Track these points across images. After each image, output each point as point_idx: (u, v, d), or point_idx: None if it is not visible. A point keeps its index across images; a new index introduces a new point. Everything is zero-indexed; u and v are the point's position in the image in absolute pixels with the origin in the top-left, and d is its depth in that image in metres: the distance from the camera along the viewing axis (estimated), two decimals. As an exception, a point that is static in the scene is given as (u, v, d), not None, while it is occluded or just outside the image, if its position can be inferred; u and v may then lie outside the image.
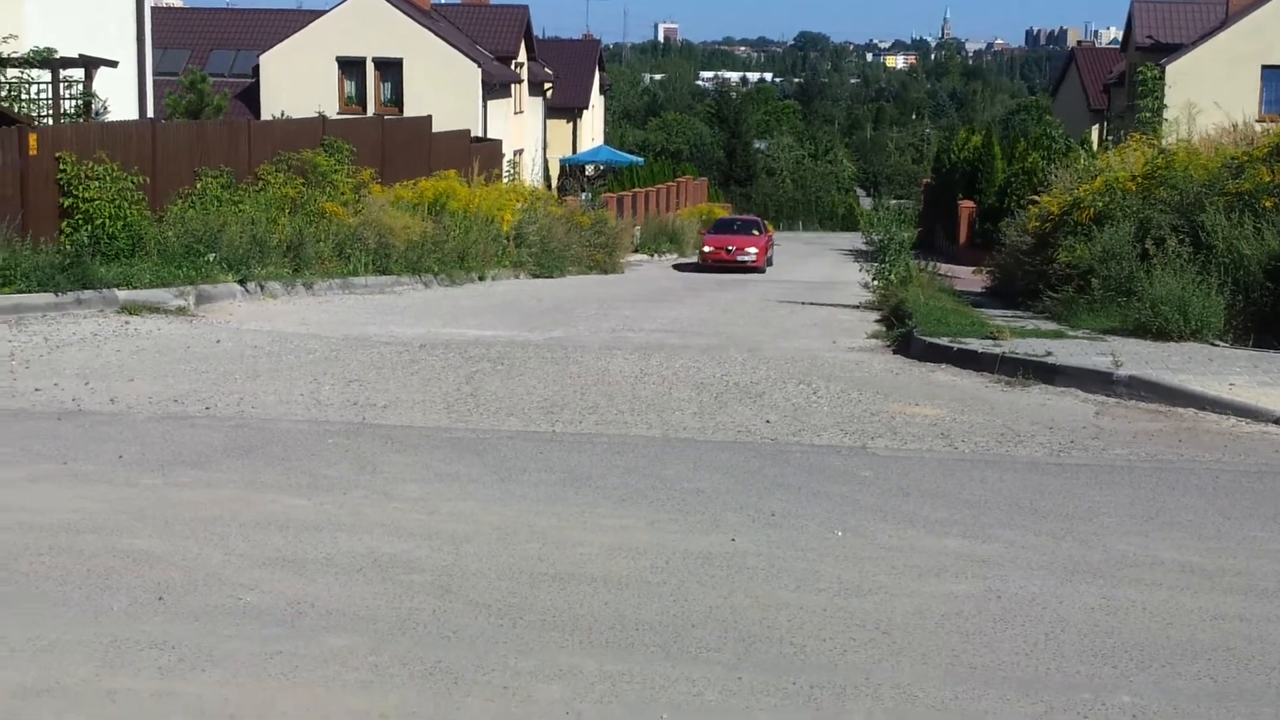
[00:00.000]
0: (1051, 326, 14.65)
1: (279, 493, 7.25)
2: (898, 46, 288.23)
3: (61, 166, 17.45)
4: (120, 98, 24.88)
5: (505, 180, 32.61)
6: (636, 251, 40.32)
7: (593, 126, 68.82)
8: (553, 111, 62.43)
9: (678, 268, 38.72)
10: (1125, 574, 6.30)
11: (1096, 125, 55.54)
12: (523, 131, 55.37)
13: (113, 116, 22.97)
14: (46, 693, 4.54)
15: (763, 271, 37.41)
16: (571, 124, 64.81)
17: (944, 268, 26.38)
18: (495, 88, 50.20)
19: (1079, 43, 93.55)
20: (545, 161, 56.57)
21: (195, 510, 6.83)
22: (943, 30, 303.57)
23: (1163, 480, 8.28)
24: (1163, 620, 5.67)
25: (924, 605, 5.75)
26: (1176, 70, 43.68)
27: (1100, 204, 17.66)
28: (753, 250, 38.36)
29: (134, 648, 4.96)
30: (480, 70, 48.58)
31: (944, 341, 12.98)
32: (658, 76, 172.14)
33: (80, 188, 17.41)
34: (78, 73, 22.68)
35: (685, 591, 5.84)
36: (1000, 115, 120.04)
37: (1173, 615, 5.74)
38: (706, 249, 38.26)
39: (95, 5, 25.61)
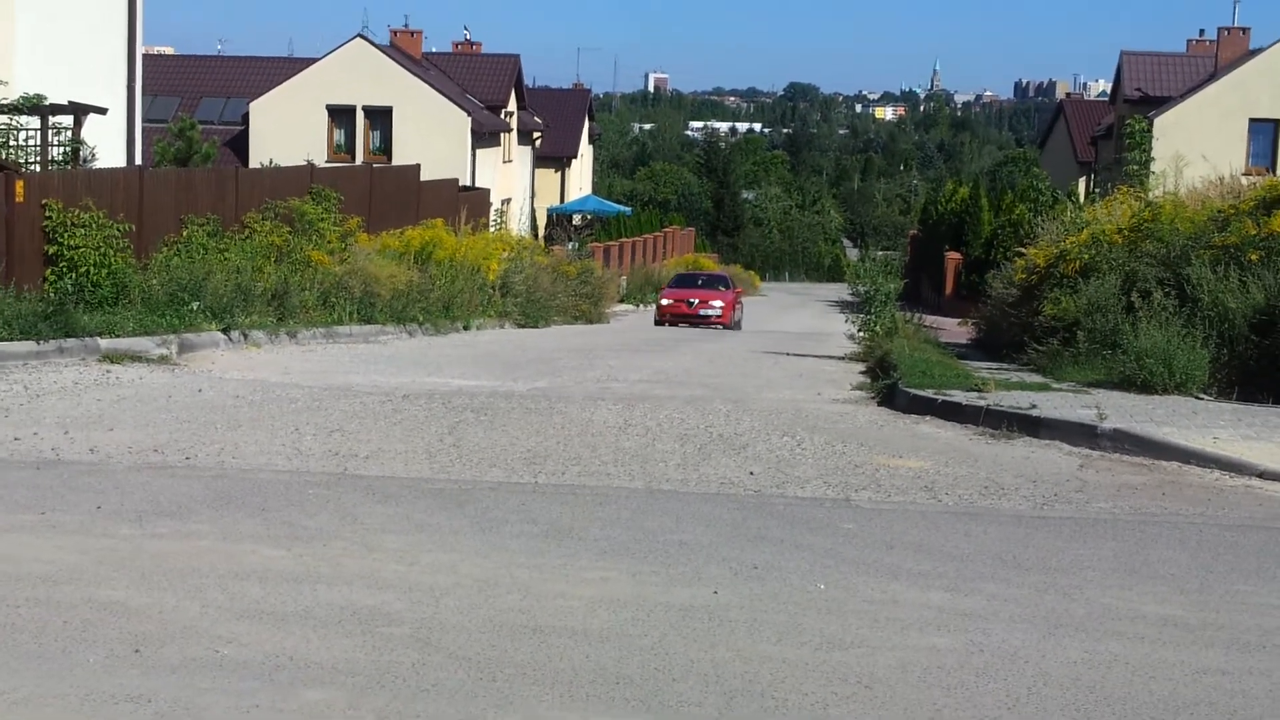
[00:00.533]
0: (1036, 379, 14.67)
1: (258, 544, 7.21)
2: (887, 98, 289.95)
3: (47, 214, 17.45)
4: (109, 145, 24.91)
5: (492, 229, 32.68)
6: (623, 301, 40.33)
7: (581, 176, 69.10)
8: (541, 160, 62.69)
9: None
10: (1108, 628, 6.28)
11: (1084, 177, 55.89)
12: (511, 180, 55.56)
13: (101, 163, 22.99)
14: (18, 747, 4.48)
15: (729, 330, 34.01)
16: (560, 173, 65.08)
17: (930, 319, 26.45)
18: (484, 136, 50.41)
19: (1067, 95, 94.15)
20: (533, 210, 56.77)
21: (173, 561, 6.78)
22: (932, 82, 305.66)
23: (1146, 534, 8.27)
24: (1145, 674, 5.64)
25: (907, 659, 5.72)
26: (1164, 123, 44.02)
27: (1086, 257, 17.72)
28: (717, 304, 36.29)
29: (110, 701, 4.91)
30: (470, 119, 48.81)
31: (929, 393, 12.99)
32: (647, 126, 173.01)
33: (66, 235, 17.40)
34: (67, 119, 22.71)
35: (667, 644, 5.80)
36: (988, 167, 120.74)
37: (1155, 669, 5.71)
38: (664, 302, 36.54)
39: (85, 52, 25.68)
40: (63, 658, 5.35)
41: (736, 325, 35.10)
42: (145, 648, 5.49)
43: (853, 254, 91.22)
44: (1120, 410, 11.95)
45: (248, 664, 5.35)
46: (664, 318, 35.35)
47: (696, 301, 36.11)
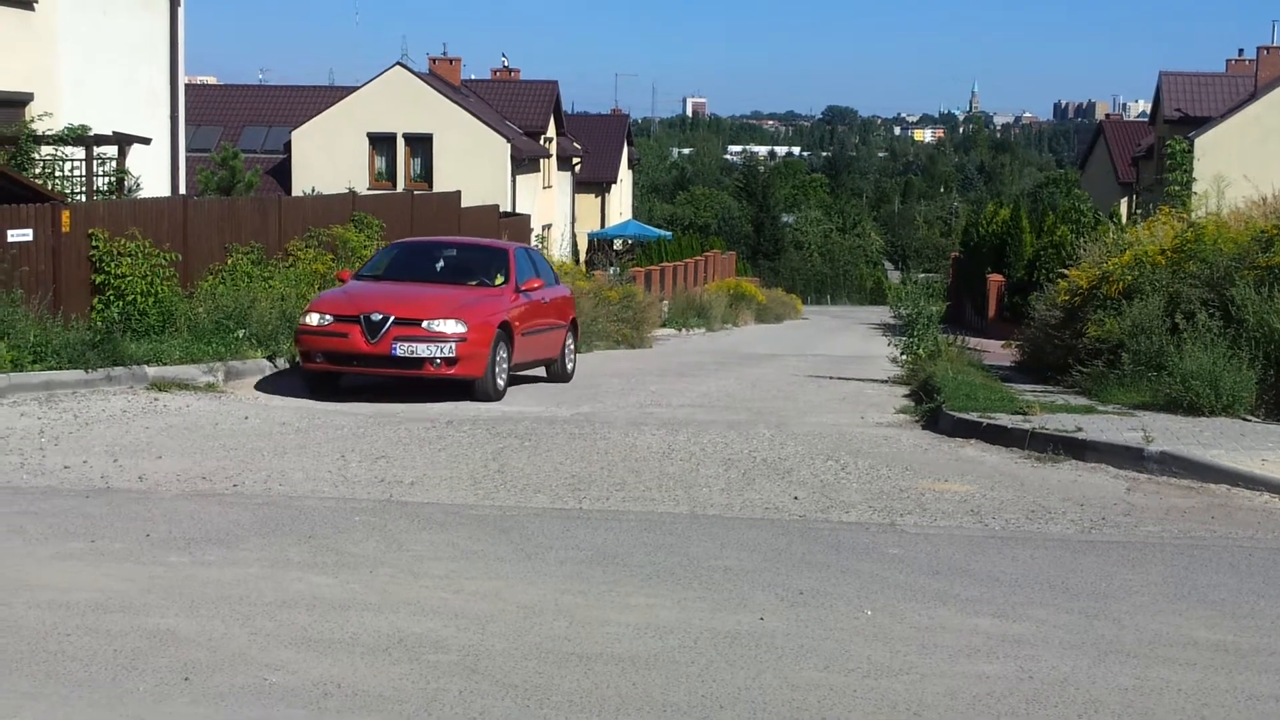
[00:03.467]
0: (1081, 401, 14.57)
1: (305, 571, 7.24)
2: (926, 120, 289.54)
3: (94, 243, 17.60)
4: (153, 174, 25.15)
5: (534, 255, 32.69)
6: (664, 326, 39.75)
7: (621, 201, 69.25)
8: (581, 186, 62.86)
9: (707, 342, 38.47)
10: (1159, 654, 6.22)
11: (1125, 198, 55.60)
12: (551, 206, 55.75)
13: (146, 193, 23.21)
14: (70, 775, 4.51)
15: (488, 393, 15.15)
16: (600, 198, 65.24)
17: (973, 342, 26.33)
18: (524, 162, 50.60)
19: (1107, 116, 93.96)
20: (573, 236, 56.89)
21: (222, 589, 6.81)
22: (970, 104, 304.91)
23: (1195, 558, 8.19)
24: (1197, 701, 5.59)
25: (955, 686, 5.68)
26: (1205, 143, 43.74)
27: (1129, 278, 17.60)
28: (450, 327, 14.98)
29: (159, 729, 4.93)
30: (509, 145, 49.01)
31: (973, 417, 12.93)
32: (686, 151, 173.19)
33: (112, 264, 17.55)
34: (111, 150, 22.94)
35: (713, 671, 5.78)
36: (1028, 188, 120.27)
37: (1207, 696, 5.65)
38: (311, 319, 15.23)
39: (129, 83, 25.94)
40: (112, 686, 5.38)
41: (562, 372, 17.99)
42: (194, 676, 5.52)
43: (894, 276, 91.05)
44: (1167, 432, 11.86)
45: (296, 692, 5.37)
46: (311, 354, 15.16)
47: (388, 326, 14.85)
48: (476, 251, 17.87)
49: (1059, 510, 9.44)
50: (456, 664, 5.77)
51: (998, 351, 26.47)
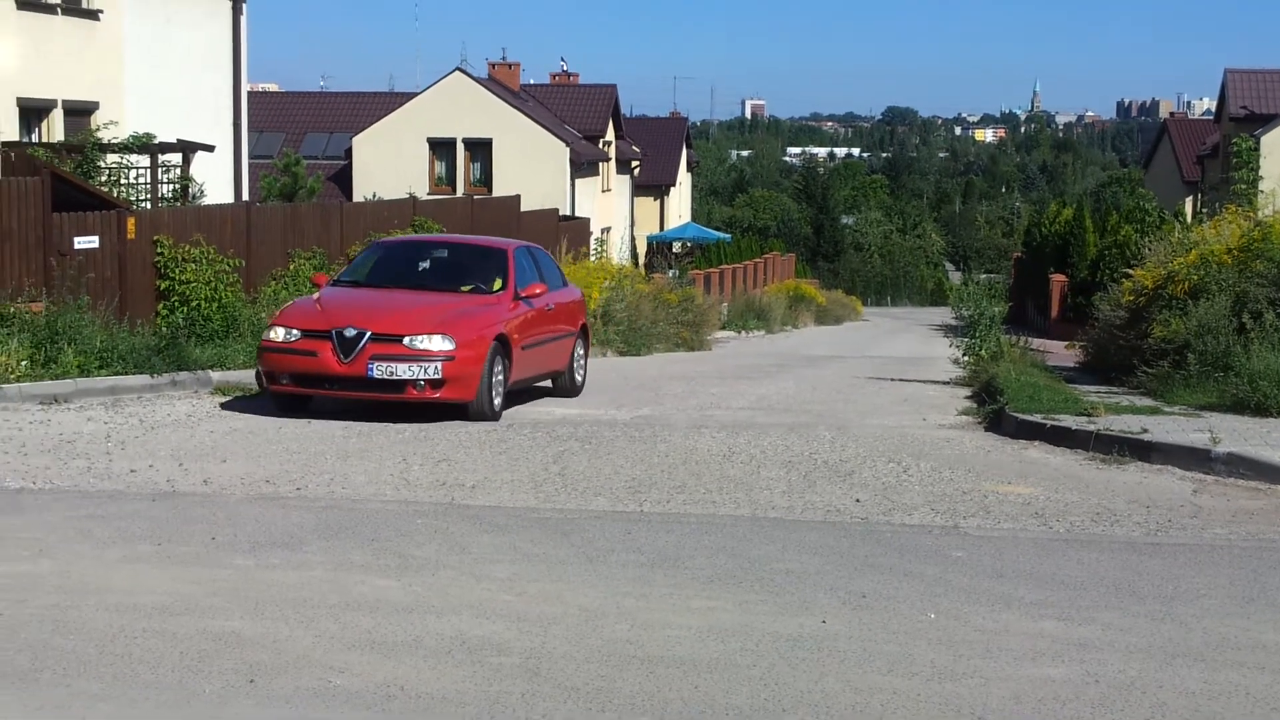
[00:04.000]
0: (1147, 403, 14.43)
1: (368, 574, 7.28)
2: (987, 120, 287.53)
3: (159, 250, 17.81)
4: (217, 181, 25.41)
5: (593, 258, 32.80)
6: (724, 328, 39.67)
7: (680, 203, 69.24)
8: (640, 189, 62.91)
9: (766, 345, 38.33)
10: (1227, 657, 6.14)
11: (1190, 197, 55.00)
12: (610, 209, 55.82)
13: (209, 200, 23.45)
14: (138, 776, 4.55)
15: (483, 415, 13.39)
16: (659, 201, 65.26)
17: (1035, 342, 26.05)
18: (583, 166, 50.71)
19: (1171, 114, 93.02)
20: (633, 239, 56.97)
21: (286, 592, 6.86)
22: (1032, 103, 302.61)
23: (1264, 560, 8.09)
24: (1266, 705, 5.51)
25: (1020, 690, 5.63)
26: (1272, 141, 43.19)
27: (1195, 277, 17.41)
28: (436, 345, 13.19)
29: (225, 731, 4.97)
30: (568, 149, 49.13)
31: (1037, 418, 12.82)
32: (745, 153, 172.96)
33: (177, 270, 17.75)
34: (175, 157, 23.20)
35: (775, 675, 5.77)
36: (1091, 188, 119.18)
37: (1276, 700, 5.58)
38: (276, 335, 13.48)
39: (193, 91, 26.23)
40: (179, 688, 5.43)
41: (570, 385, 16.01)
42: (260, 678, 5.56)
43: (955, 277, 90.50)
44: (1234, 434, 11.72)
45: (360, 694, 5.40)
46: (275, 375, 13.42)
47: (363, 343, 13.10)
48: (471, 252, 15.89)
49: (1125, 513, 9.35)
50: (519, 666, 5.78)
51: (1061, 352, 26.24)
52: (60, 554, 7.53)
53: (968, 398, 16.50)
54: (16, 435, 11.43)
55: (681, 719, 5.22)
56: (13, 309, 14.98)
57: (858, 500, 9.58)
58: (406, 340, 13.11)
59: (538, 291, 14.91)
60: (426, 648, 6.01)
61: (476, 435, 12.21)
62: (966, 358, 20.03)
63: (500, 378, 13.71)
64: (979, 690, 5.62)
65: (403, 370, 12.99)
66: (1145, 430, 11.86)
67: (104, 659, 5.76)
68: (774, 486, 10.05)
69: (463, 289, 14.65)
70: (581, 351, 16.33)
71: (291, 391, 13.37)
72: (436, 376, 13.01)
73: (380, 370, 12.99)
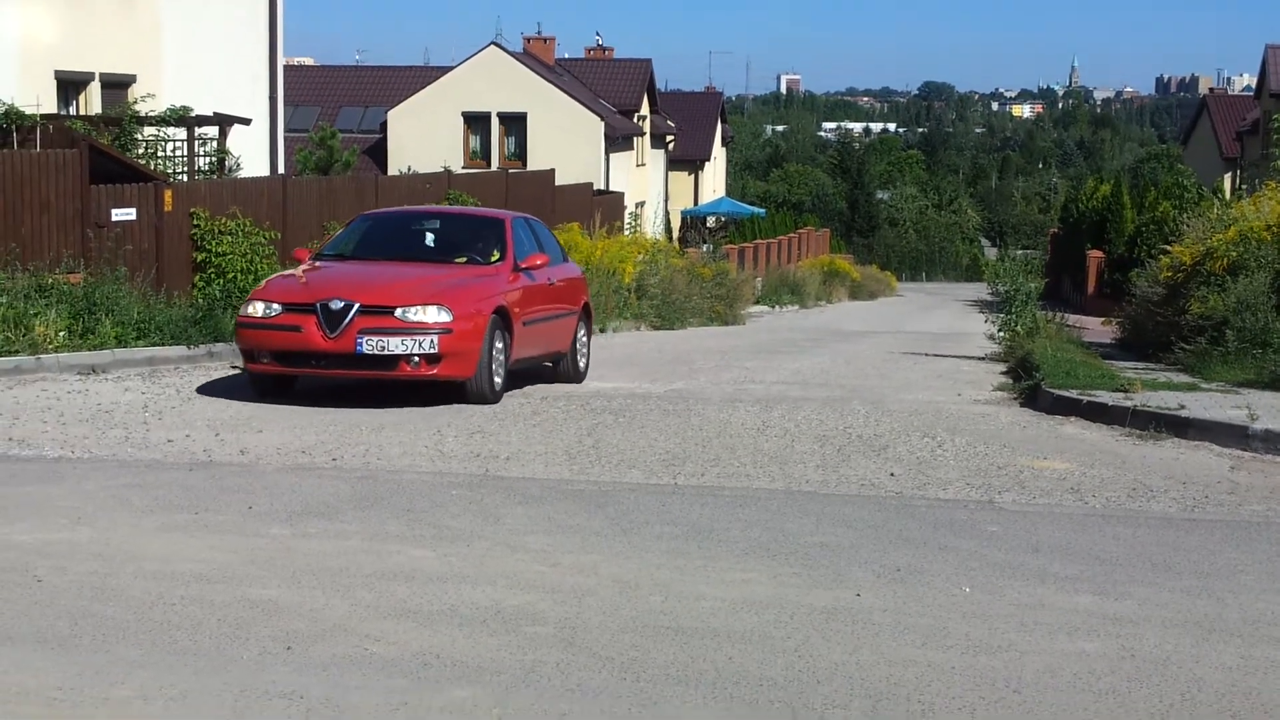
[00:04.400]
0: (1184, 379, 14.35)
1: (404, 544, 7.31)
2: (1024, 95, 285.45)
3: (195, 222, 17.88)
4: (253, 154, 25.48)
5: (627, 232, 32.81)
6: (758, 303, 39.65)
7: (714, 178, 69.07)
8: (674, 164, 62.77)
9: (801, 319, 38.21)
10: (1263, 633, 6.11)
11: (1229, 174, 54.53)
12: (644, 184, 55.73)
13: (245, 173, 23.54)
14: (177, 741, 4.60)
15: (483, 396, 12.51)
16: (693, 176, 65.10)
17: (1072, 318, 25.93)
18: (618, 140, 50.64)
19: (1211, 90, 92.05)
20: (667, 213, 56.88)
21: (322, 561, 6.90)
22: (1070, 78, 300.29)
23: (1303, 537, 8.03)
24: (1305, 682, 5.48)
25: (1055, 664, 5.62)
26: (1312, 116, 42.73)
27: (1234, 254, 17.29)
28: (432, 317, 12.20)
29: (263, 697, 5.01)
30: (603, 124, 49.06)
31: (1073, 394, 12.77)
32: (780, 128, 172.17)
33: (213, 243, 17.82)
34: (212, 130, 23.28)
35: (810, 647, 5.77)
36: (1129, 164, 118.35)
37: (1315, 677, 5.55)
38: (255, 310, 12.51)
39: (230, 65, 26.29)
40: (217, 655, 5.47)
41: (573, 371, 14.87)
42: (296, 645, 5.60)
43: (991, 253, 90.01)
44: (1272, 410, 11.64)
45: (396, 662, 5.43)
46: (255, 352, 12.52)
47: (351, 316, 12.11)
48: (465, 222, 15.06)
49: (1161, 488, 9.30)
50: (554, 636, 5.80)
51: (1097, 328, 26.12)
52: (99, 522, 7.60)
53: (1003, 373, 16.44)
54: (55, 405, 11.52)
55: (715, 690, 5.23)
56: (51, 280, 15.08)
57: (892, 474, 9.57)
58: (399, 312, 12.10)
59: (539, 263, 13.87)
60: (462, 617, 6.03)
61: (510, 408, 12.24)
62: (1002, 333, 19.96)
63: (501, 354, 12.73)
64: (1014, 664, 5.61)
65: (395, 345, 11.99)
66: (1182, 406, 11.79)
67: (142, 625, 5.80)
68: (808, 460, 10.04)
69: (458, 261, 13.65)
70: (584, 334, 15.14)
71: (272, 371, 12.41)
72: (432, 351, 12.01)
73: (370, 345, 11.96)
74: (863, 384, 15.40)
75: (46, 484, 8.55)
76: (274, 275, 14.18)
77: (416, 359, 12.03)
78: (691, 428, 11.37)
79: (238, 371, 14.03)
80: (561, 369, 14.70)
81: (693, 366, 16.91)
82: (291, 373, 12.47)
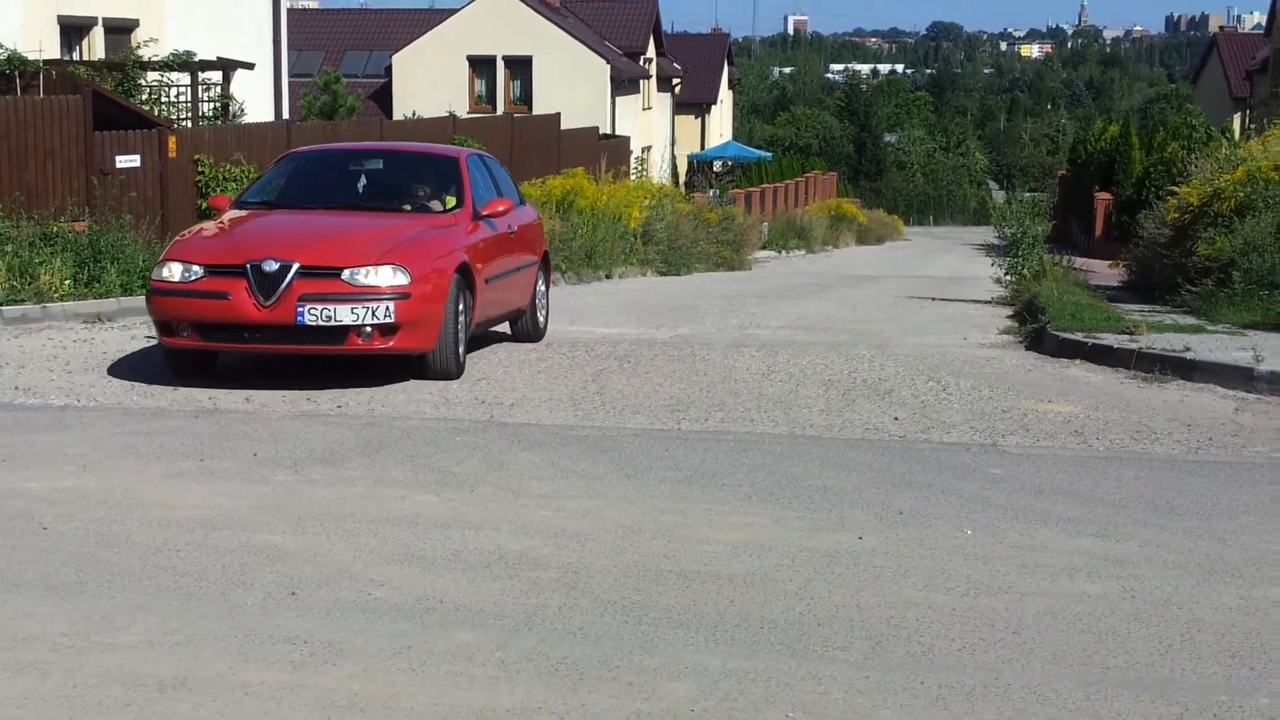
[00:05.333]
0: (1190, 321, 14.33)
1: (408, 489, 7.34)
2: (1033, 35, 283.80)
3: (200, 168, 17.85)
4: (257, 99, 25.40)
5: (633, 177, 32.70)
6: (764, 248, 39.55)
7: (721, 122, 68.80)
8: (681, 107, 62.51)
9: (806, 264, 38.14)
10: (1264, 573, 6.14)
11: (1239, 113, 54.23)
12: (651, 128, 55.53)
13: (250, 118, 23.47)
14: (183, 685, 4.64)
15: (446, 370, 10.78)
16: (700, 120, 64.86)
17: (1079, 261, 25.93)
18: (623, 84, 50.41)
19: (1221, 29, 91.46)
20: (673, 158, 56.68)
21: (327, 507, 6.94)
22: (1079, 18, 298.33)
23: (1306, 478, 8.04)
24: (1305, 623, 5.51)
25: (1056, 605, 5.65)
26: (1322, 56, 42.46)
27: (1242, 195, 17.22)
28: (386, 279, 10.26)
29: (268, 641, 5.05)
30: (609, 66, 48.83)
31: (1078, 337, 12.75)
32: (787, 70, 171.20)
33: (218, 189, 17.78)
34: (216, 75, 23.20)
35: (811, 590, 5.80)
36: (1138, 104, 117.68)
37: (1315, 618, 5.57)
38: (173, 273, 10.40)
39: (233, 9, 26.16)
40: (222, 600, 5.51)
41: (533, 328, 13.33)
42: (301, 590, 5.64)
43: (999, 196, 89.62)
44: (1278, 352, 11.62)
45: (399, 606, 5.47)
46: (173, 324, 10.41)
47: (289, 279, 10.13)
48: (412, 162, 12.88)
49: (1165, 431, 9.31)
50: (556, 580, 5.84)
51: (1105, 271, 26.08)
52: (104, 470, 7.63)
53: (1009, 317, 16.42)
54: (61, 354, 11.54)
55: (717, 632, 5.27)
56: (56, 228, 15.07)
57: (896, 418, 9.58)
58: (346, 274, 10.16)
59: (500, 210, 12.11)
60: (465, 561, 6.07)
61: (516, 354, 12.25)
62: (1009, 277, 19.92)
63: (464, 320, 10.92)
64: (1014, 605, 5.64)
65: (344, 314, 10.06)
66: (1188, 349, 11.78)
67: (148, 572, 5.84)
68: (812, 405, 10.05)
69: (405, 208, 11.78)
70: (543, 286, 13.51)
71: (194, 346, 10.42)
72: (388, 320, 10.12)
73: (314, 315, 10.04)
74: (868, 328, 15.39)
75: (53, 432, 8.58)
76: (191, 229, 11.76)
77: (369, 330, 10.13)
78: (696, 373, 11.38)
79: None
80: (520, 327, 13.17)
81: (698, 312, 16.91)
82: (218, 348, 10.58)
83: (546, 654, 4.99)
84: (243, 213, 11.57)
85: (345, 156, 13.23)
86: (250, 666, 4.82)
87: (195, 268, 10.33)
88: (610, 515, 6.91)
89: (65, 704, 4.47)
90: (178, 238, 11.28)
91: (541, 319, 13.45)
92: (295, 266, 10.12)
